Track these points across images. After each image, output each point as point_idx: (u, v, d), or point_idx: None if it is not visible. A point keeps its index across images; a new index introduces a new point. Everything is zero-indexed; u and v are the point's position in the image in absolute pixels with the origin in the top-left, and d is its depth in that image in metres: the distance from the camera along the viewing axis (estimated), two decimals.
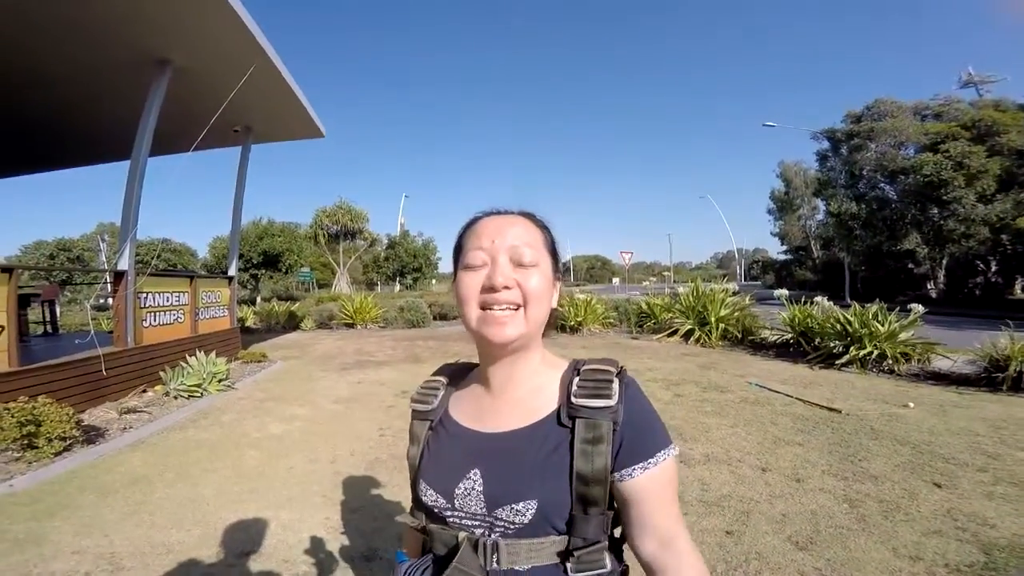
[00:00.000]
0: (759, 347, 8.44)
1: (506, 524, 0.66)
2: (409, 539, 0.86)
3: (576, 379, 0.71)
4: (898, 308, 6.85)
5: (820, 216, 31.86)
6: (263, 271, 26.61)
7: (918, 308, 6.71)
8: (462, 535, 0.68)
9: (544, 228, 0.77)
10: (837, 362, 6.64)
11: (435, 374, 0.87)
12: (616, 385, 0.69)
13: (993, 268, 18.86)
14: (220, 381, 6.19)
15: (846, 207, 20.73)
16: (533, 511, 0.65)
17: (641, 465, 0.67)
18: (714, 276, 19.41)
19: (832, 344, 6.89)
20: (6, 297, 4.41)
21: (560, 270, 0.79)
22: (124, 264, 5.99)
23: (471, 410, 0.78)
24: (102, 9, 5.20)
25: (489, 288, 0.69)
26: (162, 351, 6.43)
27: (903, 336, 6.48)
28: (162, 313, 6.73)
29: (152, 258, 10.53)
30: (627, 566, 0.75)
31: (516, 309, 0.69)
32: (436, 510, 0.72)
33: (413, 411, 0.83)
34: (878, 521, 2.59)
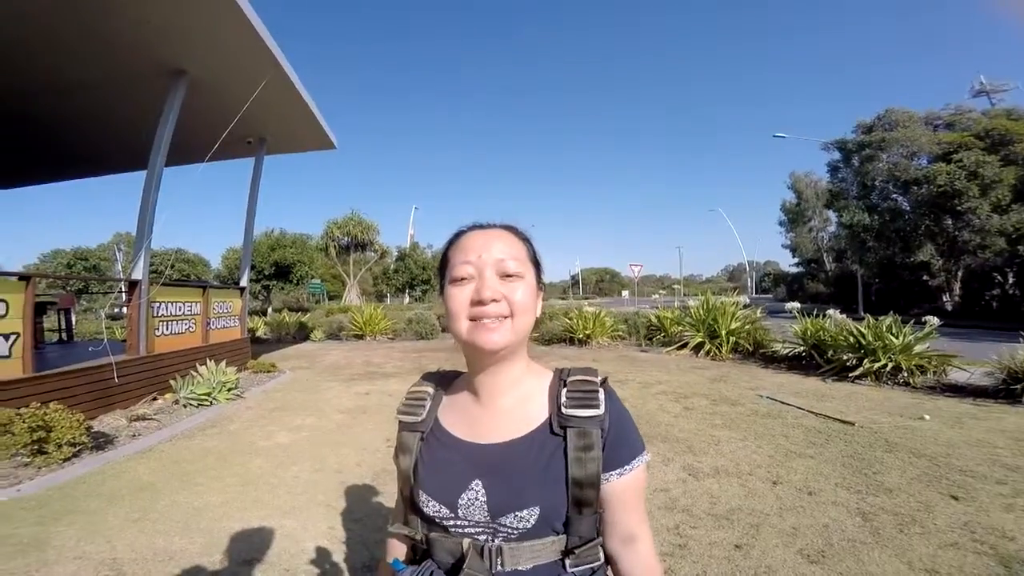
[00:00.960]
0: (771, 360, 8.33)
1: (509, 530, 0.70)
2: (394, 548, 0.87)
3: (564, 390, 0.75)
4: (913, 320, 6.74)
5: (832, 228, 31.60)
6: (274, 282, 26.84)
7: (933, 320, 6.59)
8: (466, 542, 0.71)
9: (526, 240, 0.80)
10: (851, 375, 6.52)
11: (419, 384, 0.88)
12: (601, 394, 0.73)
13: (1011, 280, 18.49)
14: (229, 390, 6.22)
15: (858, 218, 20.41)
16: (536, 517, 0.69)
17: (617, 472, 0.72)
18: (725, 289, 19.23)
19: (845, 357, 6.77)
20: (23, 304, 4.49)
21: (543, 281, 0.81)
22: (138, 274, 6.08)
23: (463, 421, 0.79)
24: (119, 18, 5.34)
25: (478, 302, 0.71)
26: (173, 360, 6.49)
27: (918, 348, 6.36)
28: (174, 322, 6.81)
29: (166, 268, 10.71)
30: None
31: (504, 319, 0.71)
32: (438, 519, 0.74)
33: (401, 422, 0.83)
34: (892, 534, 2.52)
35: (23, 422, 3.59)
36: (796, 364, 7.77)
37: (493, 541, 0.71)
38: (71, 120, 7.89)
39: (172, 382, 6.04)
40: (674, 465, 3.62)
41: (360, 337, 13.77)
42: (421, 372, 0.92)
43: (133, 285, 6.11)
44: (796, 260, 38.86)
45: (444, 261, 0.79)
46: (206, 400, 5.85)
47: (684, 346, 9.48)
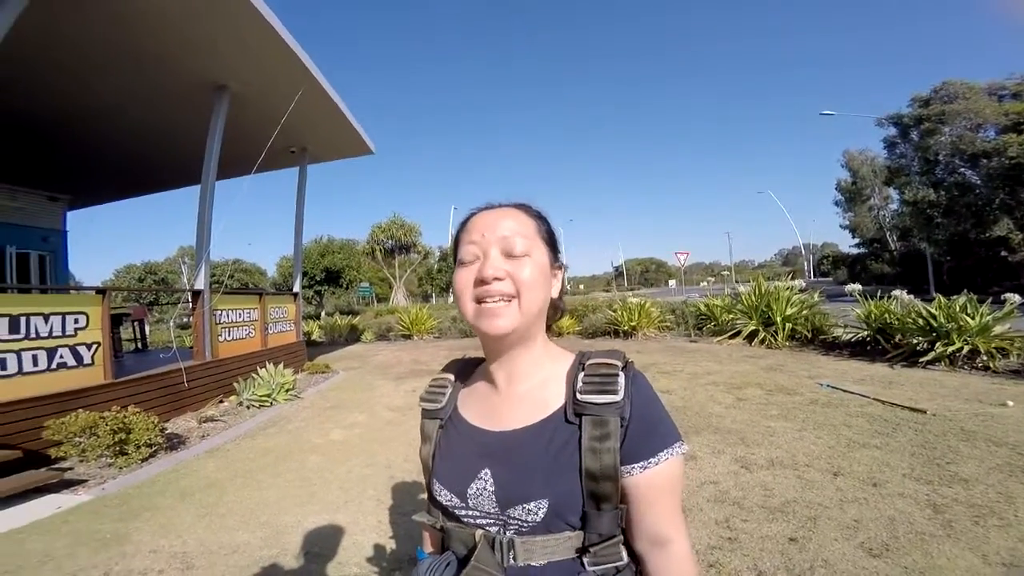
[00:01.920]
0: (831, 347, 7.89)
1: (520, 522, 0.67)
2: (428, 536, 0.87)
3: (581, 374, 0.70)
4: (990, 300, 6.21)
5: (894, 205, 29.56)
6: (326, 287, 27.95)
7: (1014, 298, 6.03)
8: (478, 533, 0.69)
9: (539, 218, 0.77)
10: (921, 360, 6.08)
11: (443, 371, 0.87)
12: (621, 379, 0.68)
13: None
14: (287, 391, 6.53)
15: (923, 194, 19.23)
16: (545, 510, 0.65)
17: (641, 464, 0.66)
18: (779, 274, 18.45)
19: (915, 341, 6.32)
20: (100, 316, 4.89)
21: (559, 259, 0.78)
22: (200, 284, 6.49)
23: (479, 407, 0.78)
24: (163, 39, 5.71)
25: (480, 281, 0.69)
26: (236, 364, 6.88)
27: (998, 329, 5.86)
28: (235, 328, 7.21)
29: (225, 278, 11.35)
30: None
31: (509, 301, 0.69)
32: (451, 509, 0.73)
33: (423, 410, 0.83)
34: (967, 527, 2.35)
35: (106, 425, 3.91)
36: (859, 350, 7.33)
37: (505, 534, 0.68)
38: (128, 140, 8.49)
39: (235, 384, 6.40)
40: (725, 457, 3.50)
41: (408, 337, 14.11)
42: None
43: (196, 295, 6.52)
44: (856, 241, 36.52)
45: (454, 245, 0.77)
46: (266, 401, 6.17)
47: (736, 335, 9.14)
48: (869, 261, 33.50)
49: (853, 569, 2.09)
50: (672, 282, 38.55)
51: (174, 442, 4.56)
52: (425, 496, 0.82)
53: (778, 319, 8.63)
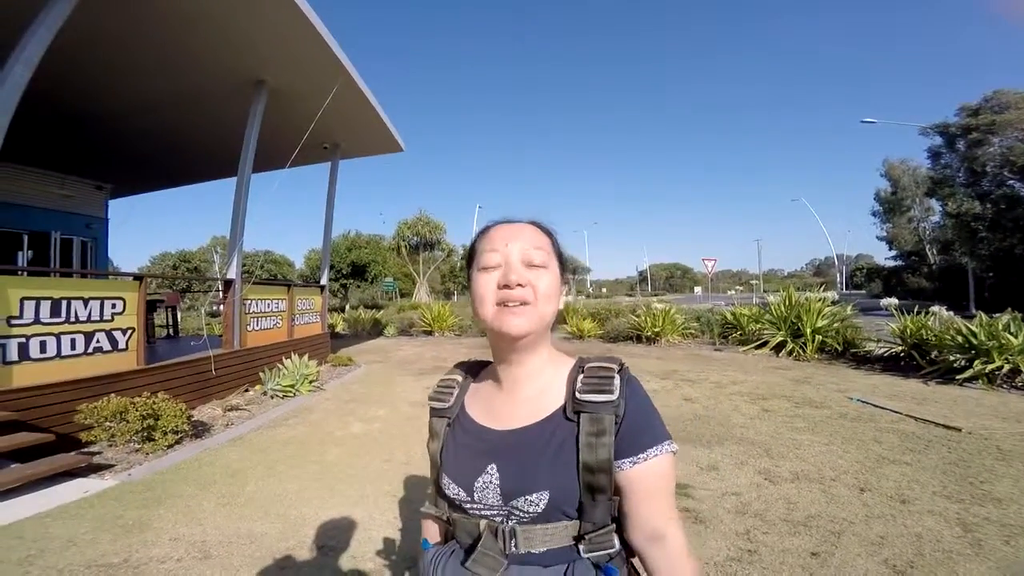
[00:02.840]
0: (863, 361, 7.63)
1: (522, 512, 0.72)
2: (431, 528, 0.91)
3: (580, 376, 0.76)
4: None
5: (936, 218, 28.41)
6: (352, 281, 28.39)
7: None
8: (483, 523, 0.75)
9: (551, 234, 0.82)
10: (958, 377, 5.83)
11: (450, 372, 0.93)
12: (617, 380, 0.73)
13: None
14: (311, 382, 6.65)
15: (967, 207, 18.28)
16: (546, 501, 0.71)
17: (631, 459, 0.71)
18: (810, 285, 17.93)
19: (952, 358, 6.06)
20: (137, 302, 5.05)
21: (567, 274, 0.84)
22: (232, 273, 6.64)
23: (485, 407, 0.83)
24: (205, 37, 5.90)
25: (504, 285, 0.74)
26: (263, 354, 7.03)
27: None
28: (263, 318, 7.37)
29: (256, 268, 11.62)
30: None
31: (528, 306, 0.74)
32: (458, 502, 0.78)
33: (432, 408, 0.88)
34: (996, 546, 2.26)
35: (136, 410, 4.03)
36: (893, 365, 7.07)
37: (507, 523, 0.73)
38: (169, 133, 8.80)
39: (261, 374, 6.53)
40: (748, 469, 3.41)
41: (429, 333, 14.22)
42: None
43: (228, 284, 6.68)
44: (894, 253, 35.21)
45: (472, 252, 0.82)
46: (290, 391, 6.29)
47: (763, 345, 8.93)
48: (906, 274, 32.26)
49: None
50: (698, 289, 37.93)
51: (199, 430, 4.67)
52: (431, 489, 0.87)
53: (808, 331, 8.39)
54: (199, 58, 6.33)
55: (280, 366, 6.77)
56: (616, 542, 0.74)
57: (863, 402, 5.13)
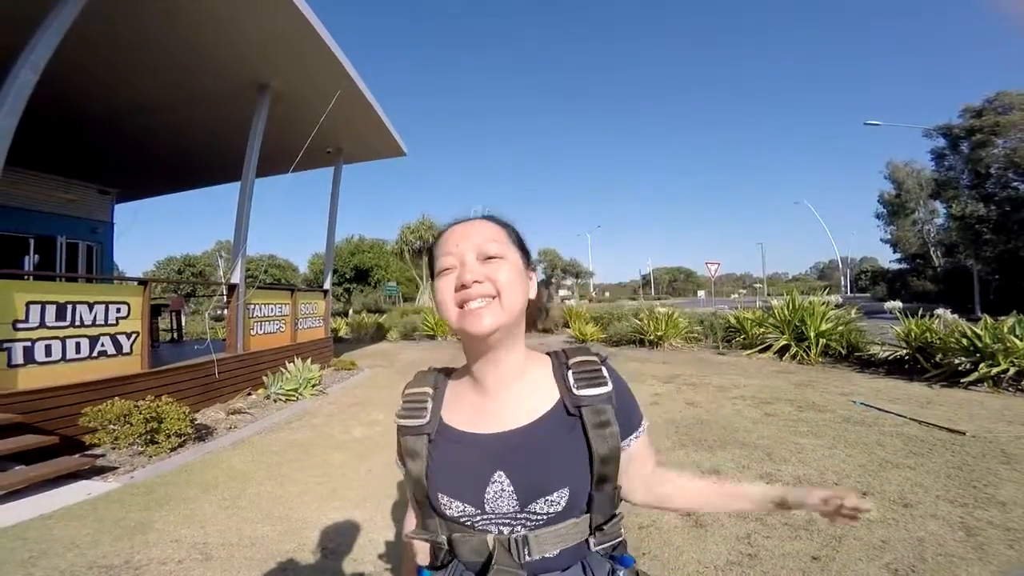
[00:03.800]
0: (867, 364, 7.57)
1: (538, 517, 0.71)
2: (421, 552, 0.85)
3: (569, 372, 0.77)
4: None
5: (940, 220, 28.27)
6: (355, 285, 28.47)
7: None
8: (490, 538, 0.71)
9: (507, 226, 0.81)
10: (963, 380, 5.79)
11: (416, 385, 0.85)
12: (605, 372, 0.77)
13: None
14: (314, 386, 6.67)
15: (971, 209, 18.17)
16: (565, 499, 0.70)
17: (634, 436, 0.80)
18: (814, 288, 17.83)
19: (957, 361, 6.01)
20: (142, 306, 5.08)
21: (532, 262, 0.83)
22: (236, 278, 6.68)
23: (470, 415, 0.78)
24: (210, 39, 5.96)
25: (461, 286, 0.72)
26: (266, 357, 7.06)
27: None
28: (267, 323, 7.40)
29: (260, 273, 11.68)
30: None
31: (491, 301, 0.72)
32: (464, 519, 0.73)
33: (403, 427, 0.80)
34: (1000, 550, 2.24)
35: (140, 413, 4.06)
36: (897, 368, 7.02)
37: (517, 532, 0.71)
38: (174, 137, 8.86)
39: (264, 378, 6.56)
40: (750, 473, 3.39)
41: (432, 337, 14.23)
42: None
43: (232, 288, 6.72)
44: (898, 256, 35.01)
45: (430, 259, 0.80)
46: (293, 395, 6.31)
47: (767, 349, 8.87)
48: (910, 277, 32.10)
49: None
50: (701, 292, 37.86)
51: (202, 433, 4.69)
52: (415, 514, 0.80)
53: (812, 334, 8.34)
54: (203, 62, 6.40)
55: (283, 370, 6.80)
56: (622, 531, 0.76)
57: (866, 406, 5.10)
